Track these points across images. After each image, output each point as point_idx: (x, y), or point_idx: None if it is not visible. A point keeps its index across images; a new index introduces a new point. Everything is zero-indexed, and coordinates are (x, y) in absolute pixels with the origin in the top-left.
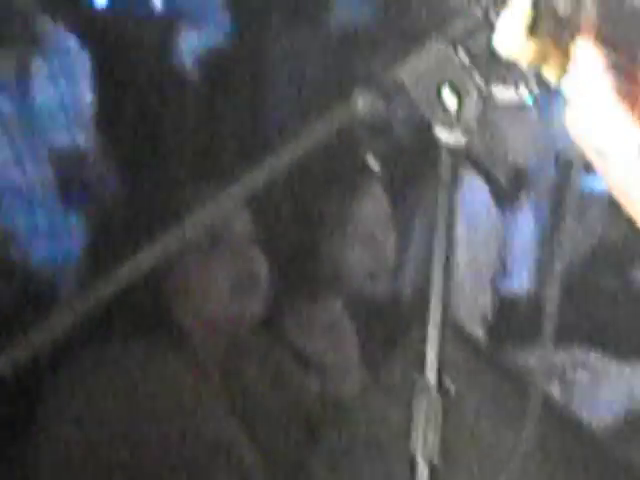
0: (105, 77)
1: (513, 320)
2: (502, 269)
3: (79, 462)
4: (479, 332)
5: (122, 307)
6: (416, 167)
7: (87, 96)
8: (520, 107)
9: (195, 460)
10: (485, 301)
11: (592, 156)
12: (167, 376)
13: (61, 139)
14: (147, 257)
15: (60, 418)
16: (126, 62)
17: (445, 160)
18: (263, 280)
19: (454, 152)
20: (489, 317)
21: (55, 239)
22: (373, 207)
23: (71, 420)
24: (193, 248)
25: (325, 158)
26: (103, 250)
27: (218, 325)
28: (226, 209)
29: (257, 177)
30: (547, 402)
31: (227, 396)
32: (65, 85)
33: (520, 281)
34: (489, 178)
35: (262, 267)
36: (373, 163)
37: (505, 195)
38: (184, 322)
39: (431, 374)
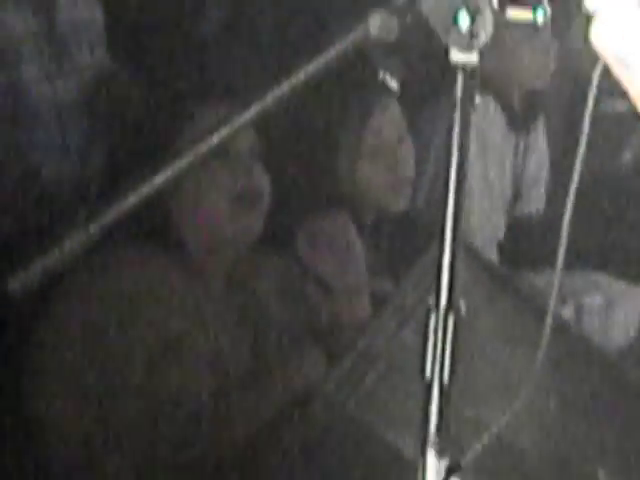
0: None
1: (527, 243)
2: (516, 192)
3: (81, 367)
4: (493, 255)
5: (126, 220)
6: (431, 87)
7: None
8: (534, 27)
9: (194, 370)
10: (499, 224)
11: (616, 68)
12: (168, 286)
13: (86, 57)
14: (152, 172)
15: (64, 324)
16: None
17: (459, 81)
18: (265, 196)
19: (468, 73)
20: (503, 240)
21: (81, 155)
22: (390, 123)
23: (75, 325)
24: (196, 163)
25: (341, 77)
26: (113, 165)
27: (219, 238)
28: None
29: (272, 97)
30: (560, 325)
31: (232, 309)
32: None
33: (534, 204)
34: (502, 100)
35: (264, 182)
36: (390, 81)
37: (519, 117)
38: (186, 235)
39: (443, 294)
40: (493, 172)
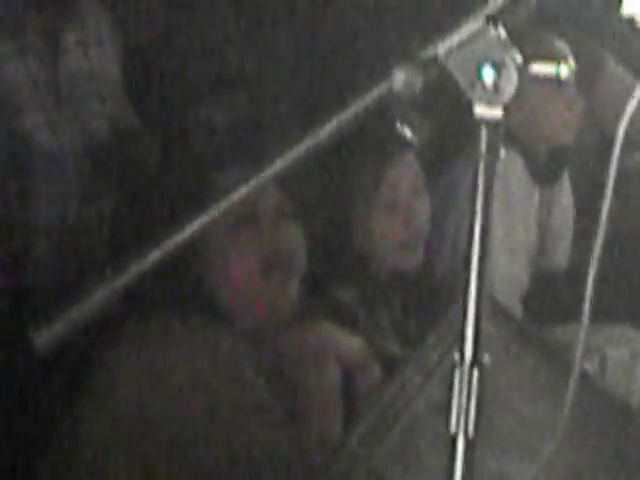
0: (134, 45)
1: (552, 297)
2: (541, 246)
3: (122, 440)
4: (517, 309)
5: (156, 284)
6: (454, 142)
7: (116, 65)
8: (559, 82)
9: (233, 430)
10: (523, 278)
11: None
12: (205, 350)
13: (91, 107)
14: (181, 234)
15: (102, 397)
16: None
17: (484, 135)
18: (299, 255)
19: (492, 127)
20: (527, 294)
21: (87, 205)
22: (407, 177)
23: (113, 399)
24: (220, 225)
25: (361, 131)
26: (136, 225)
27: (252, 303)
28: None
29: (296, 152)
30: (585, 379)
31: (263, 368)
32: (95, 53)
33: (559, 258)
34: (527, 155)
35: (296, 241)
36: (407, 132)
37: (544, 171)
38: (219, 299)
39: (467, 349)
40: (517, 226)
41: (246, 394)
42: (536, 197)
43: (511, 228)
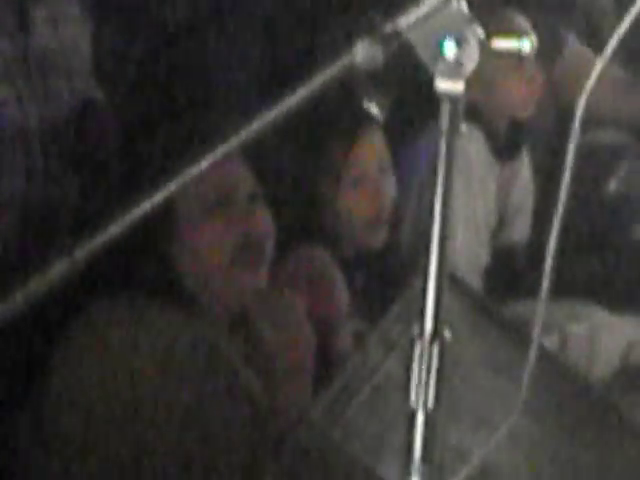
0: (105, 21)
1: (512, 272)
2: (501, 221)
3: (89, 426)
4: (477, 284)
5: (121, 262)
6: (416, 116)
7: (85, 41)
8: (520, 58)
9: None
10: (483, 253)
11: None
12: (167, 332)
13: (60, 84)
14: (146, 211)
15: (64, 377)
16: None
17: (445, 110)
18: (270, 240)
19: (454, 102)
20: (487, 269)
21: (53, 183)
22: (372, 150)
23: (76, 379)
24: (199, 209)
25: (325, 106)
26: (100, 201)
27: (224, 288)
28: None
29: (257, 127)
30: (545, 354)
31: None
32: (64, 29)
33: (519, 233)
34: (487, 129)
35: (267, 226)
36: (373, 109)
37: (503, 146)
38: (188, 282)
39: (427, 323)
40: (477, 201)
41: (213, 378)
42: (496, 172)
43: (471, 203)
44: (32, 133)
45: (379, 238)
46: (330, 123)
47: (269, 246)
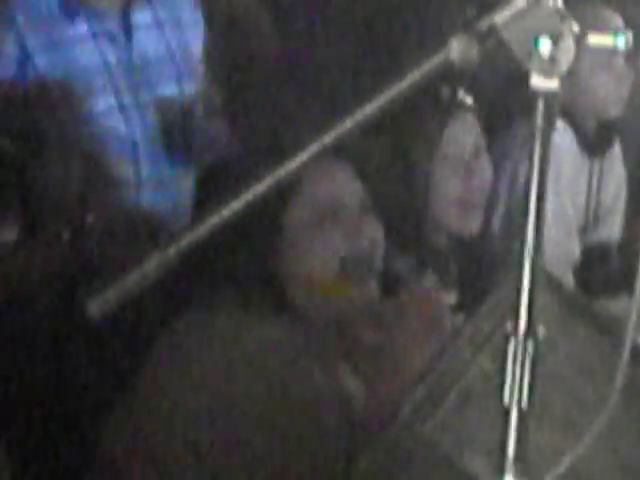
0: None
1: (604, 270)
2: (593, 218)
3: (179, 418)
4: (569, 281)
5: (225, 268)
6: (510, 111)
7: (195, 44)
8: (611, 55)
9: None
10: (574, 249)
11: None
12: (269, 341)
13: (167, 89)
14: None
15: (160, 379)
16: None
17: (540, 106)
18: (378, 249)
19: (549, 98)
20: (579, 266)
21: (160, 190)
22: (467, 134)
23: (173, 382)
24: (308, 219)
25: (424, 94)
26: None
27: (329, 302)
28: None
29: (353, 124)
30: (638, 353)
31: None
32: (171, 33)
33: (611, 230)
34: (577, 127)
35: (379, 241)
36: (468, 98)
37: (593, 143)
38: (290, 292)
39: (522, 320)
40: (568, 197)
41: (309, 378)
42: (586, 169)
43: (560, 199)
44: (137, 143)
45: (473, 226)
46: (426, 107)
47: (378, 259)
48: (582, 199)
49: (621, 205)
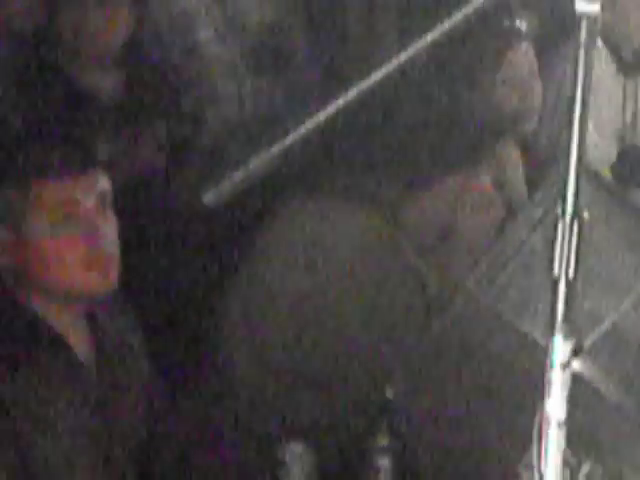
0: None
1: (636, 167)
2: (631, 124)
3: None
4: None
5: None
6: (558, 32)
7: None
8: None
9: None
10: (611, 150)
11: None
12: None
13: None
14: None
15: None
16: None
17: (583, 27)
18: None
19: (591, 20)
20: (615, 164)
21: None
22: (523, 57)
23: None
24: None
25: (485, 23)
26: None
27: None
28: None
29: (424, 42)
30: None
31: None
32: None
33: None
34: (614, 49)
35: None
36: (523, 25)
37: (628, 65)
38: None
39: (569, 204)
40: (603, 107)
41: (392, 265)
42: (621, 84)
43: (599, 105)
44: (235, 64)
45: (530, 127)
46: (487, 34)
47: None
48: (618, 108)
49: None
